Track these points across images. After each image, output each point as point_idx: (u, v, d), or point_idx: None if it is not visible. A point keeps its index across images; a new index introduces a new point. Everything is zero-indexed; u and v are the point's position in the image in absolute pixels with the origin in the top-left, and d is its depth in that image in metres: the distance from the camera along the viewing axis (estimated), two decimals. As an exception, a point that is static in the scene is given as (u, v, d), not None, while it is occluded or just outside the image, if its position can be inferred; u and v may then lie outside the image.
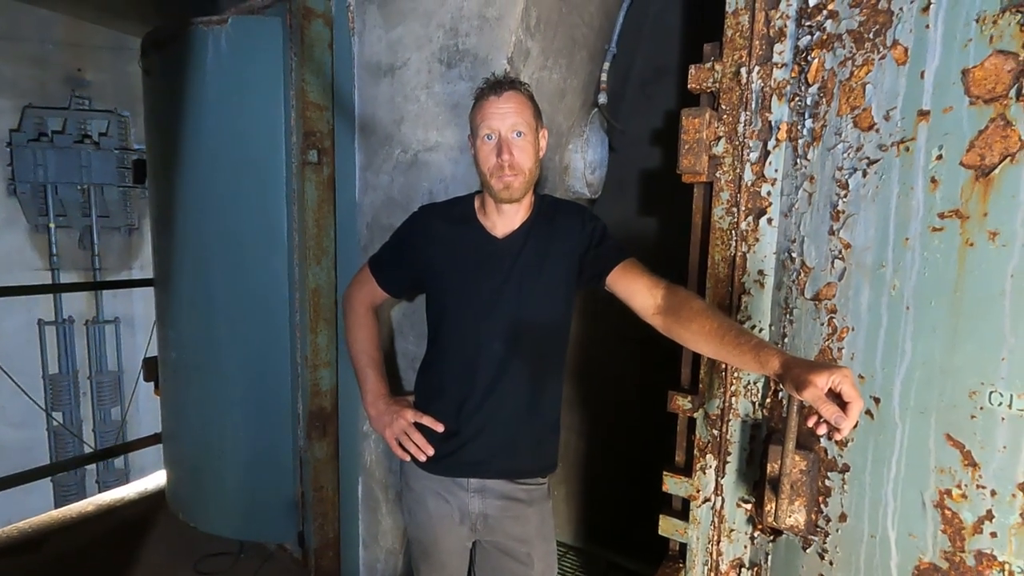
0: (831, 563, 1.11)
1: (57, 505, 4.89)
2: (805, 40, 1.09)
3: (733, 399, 1.24)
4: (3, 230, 5.37)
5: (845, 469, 1.09)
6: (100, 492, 3.27)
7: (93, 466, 6.06)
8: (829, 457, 1.11)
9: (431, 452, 1.32)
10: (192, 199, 2.02)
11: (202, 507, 2.19)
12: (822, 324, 1.10)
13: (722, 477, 1.28)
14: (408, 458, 1.35)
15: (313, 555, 2.05)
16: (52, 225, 5.50)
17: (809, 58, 1.08)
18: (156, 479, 2.77)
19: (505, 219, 1.29)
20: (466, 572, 1.44)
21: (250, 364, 2.02)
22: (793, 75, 1.12)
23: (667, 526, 1.38)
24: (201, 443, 2.14)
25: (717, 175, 1.22)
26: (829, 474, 1.11)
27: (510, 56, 1.48)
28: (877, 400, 1.03)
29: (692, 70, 1.24)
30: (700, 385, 1.30)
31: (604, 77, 1.87)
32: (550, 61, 1.63)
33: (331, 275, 1.95)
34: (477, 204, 1.33)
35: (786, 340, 1.17)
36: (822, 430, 0.90)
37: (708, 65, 1.22)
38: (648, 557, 1.90)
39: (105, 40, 5.76)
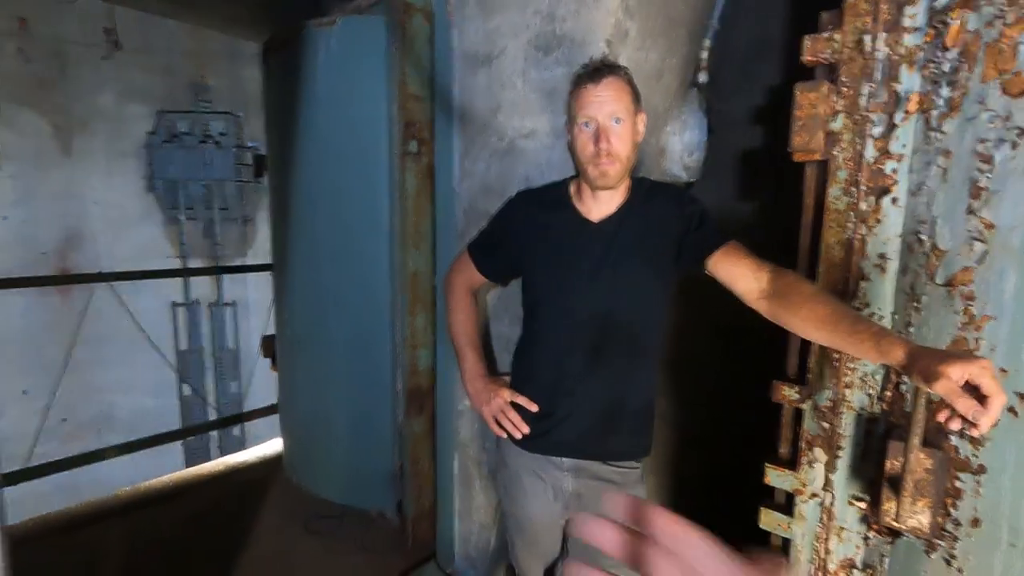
0: (959, 570, 1.03)
1: (187, 466, 5.52)
2: (943, 0, 0.99)
3: (847, 390, 1.17)
4: (142, 222, 6.07)
5: (980, 471, 0.99)
6: (221, 456, 3.65)
7: (215, 433, 6.77)
8: (961, 456, 1.02)
9: (526, 430, 1.36)
10: (305, 190, 2.19)
11: (312, 472, 2.40)
12: (956, 312, 1.01)
13: (832, 472, 1.21)
14: (504, 435, 1.39)
15: (410, 524, 2.19)
16: (182, 217, 6.15)
17: (948, 20, 0.98)
18: (272, 446, 3.06)
19: (601, 204, 1.28)
20: (559, 548, 1.47)
21: (355, 343, 2.17)
22: (927, 40, 1.02)
23: (769, 520, 1.33)
24: (312, 414, 2.34)
25: (834, 152, 1.15)
26: (960, 475, 1.02)
27: (608, 39, 1.46)
28: (1022, 396, 0.93)
29: (807, 41, 1.17)
30: (808, 375, 1.24)
31: (704, 55, 1.80)
32: (648, 41, 1.59)
33: (429, 260, 2.04)
34: (572, 189, 1.34)
35: (911, 329, 1.08)
36: (955, 425, 0.83)
37: (826, 35, 1.15)
38: (741, 554, 1.84)
39: (222, 47, 6.31)
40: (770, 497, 1.35)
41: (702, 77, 1.80)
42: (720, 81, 1.94)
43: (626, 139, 1.19)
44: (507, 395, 1.38)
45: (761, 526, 1.34)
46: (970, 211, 0.98)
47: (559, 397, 1.33)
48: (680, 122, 1.79)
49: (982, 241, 0.96)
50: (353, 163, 2.08)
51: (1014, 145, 0.92)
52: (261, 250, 6.66)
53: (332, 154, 2.10)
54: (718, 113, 1.92)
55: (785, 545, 1.32)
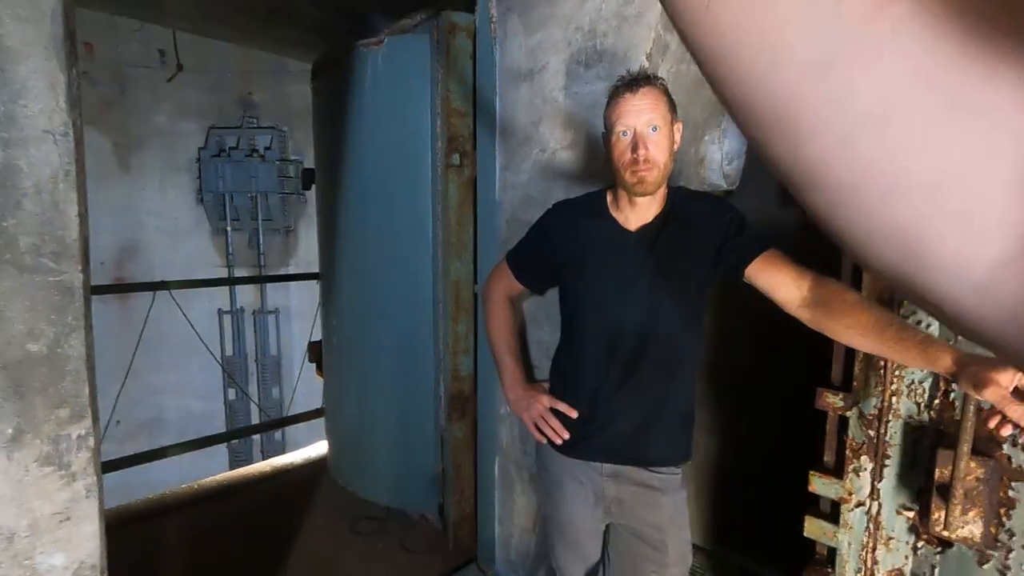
0: (1015, 582, 1.01)
1: (231, 469, 5.73)
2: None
3: (893, 398, 1.17)
4: (192, 233, 6.38)
5: (1035, 480, 0.98)
6: (264, 460, 3.78)
7: (258, 437, 7.00)
8: (1014, 466, 1.01)
9: (566, 436, 1.39)
10: (352, 202, 2.29)
11: (357, 474, 2.48)
12: (1006, 319, 1.00)
13: (879, 481, 1.21)
14: (544, 441, 1.43)
15: (452, 526, 2.23)
16: (229, 228, 6.43)
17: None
18: (317, 448, 3.17)
19: (638, 212, 1.30)
20: (600, 552, 1.49)
21: (399, 349, 2.25)
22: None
23: (814, 528, 1.33)
24: (357, 417, 2.42)
25: (878, 161, 1.16)
26: (1014, 484, 1.01)
27: (648, 52, 1.50)
28: (1078, 405, 0.92)
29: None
30: (854, 382, 1.24)
31: (743, 65, 1.82)
32: (687, 54, 1.62)
33: (470, 269, 2.11)
34: (610, 199, 1.36)
35: (959, 338, 1.07)
36: (1006, 431, 0.83)
37: (868, 45, 1.16)
38: (781, 563, 1.83)
39: (268, 65, 6.60)
40: (815, 505, 1.35)
41: (741, 87, 1.82)
42: (759, 90, 1.95)
43: (663, 147, 1.21)
44: (547, 401, 1.42)
45: (806, 534, 1.34)
46: (1020, 218, 0.97)
47: (598, 404, 1.35)
48: (719, 131, 1.81)
49: (1033, 248, 0.96)
50: (399, 176, 2.17)
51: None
52: (303, 260, 6.90)
53: (379, 167, 2.20)
54: (757, 122, 1.93)
55: (831, 555, 1.32)
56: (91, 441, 0.80)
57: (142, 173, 5.90)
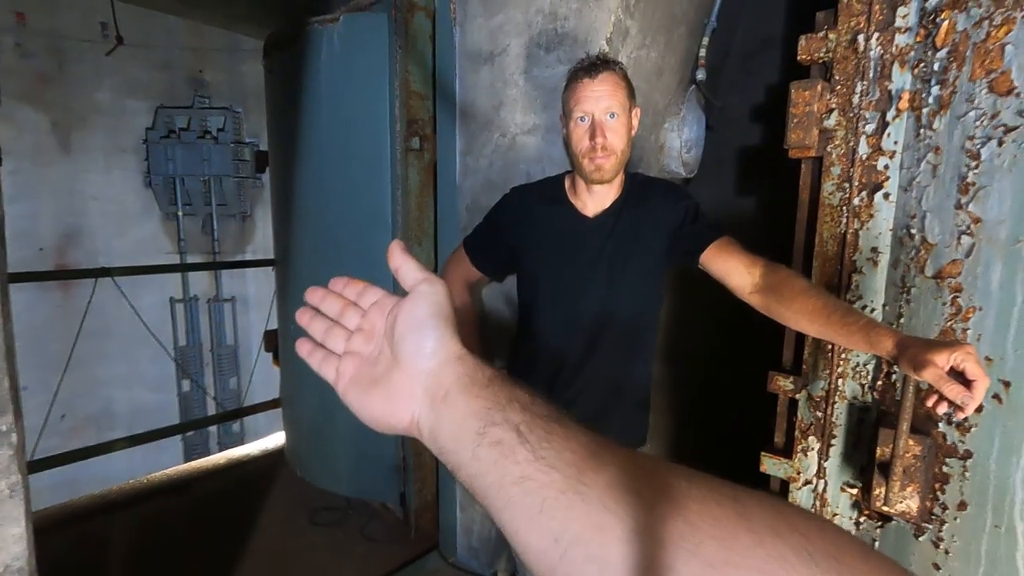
0: (947, 552, 1.07)
1: (186, 461, 5.56)
2: (933, 1, 1.02)
3: (840, 380, 1.21)
4: (141, 218, 6.08)
5: (967, 456, 1.03)
6: (221, 452, 3.68)
7: (214, 429, 6.80)
8: (948, 443, 1.06)
9: None
10: (309, 186, 2.21)
11: (315, 465, 2.43)
12: (944, 304, 1.04)
13: (825, 460, 1.25)
14: None
15: (413, 515, 2.22)
16: (180, 213, 6.16)
17: (938, 20, 1.02)
18: (274, 439, 3.09)
19: (596, 199, 1.30)
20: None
21: (358, 337, 2.20)
22: (918, 40, 1.05)
23: (764, 506, 1.37)
24: (315, 407, 2.37)
25: (828, 149, 1.18)
26: (948, 460, 1.06)
27: (609, 37, 1.49)
28: (1007, 384, 0.97)
29: (802, 40, 1.20)
30: (803, 366, 1.28)
31: (703, 53, 1.83)
32: (648, 39, 1.62)
33: (431, 255, 2.07)
34: (568, 184, 1.35)
35: (902, 321, 1.12)
36: (942, 408, 0.87)
37: (821, 34, 1.18)
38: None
39: (221, 43, 6.31)
40: (766, 486, 1.39)
41: (701, 75, 1.84)
42: (719, 79, 1.97)
43: (621, 133, 1.21)
44: None
45: (757, 513, 1.38)
46: (958, 206, 1.01)
47: (557, 388, 1.36)
48: (679, 119, 1.82)
49: (969, 235, 1.00)
50: (356, 159, 2.11)
51: (1000, 142, 0.96)
52: (260, 246, 6.68)
53: (335, 150, 2.13)
54: (717, 110, 1.96)
55: (780, 531, 1.36)
56: (13, 438, 0.75)
57: (85, 154, 5.57)
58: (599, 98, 1.18)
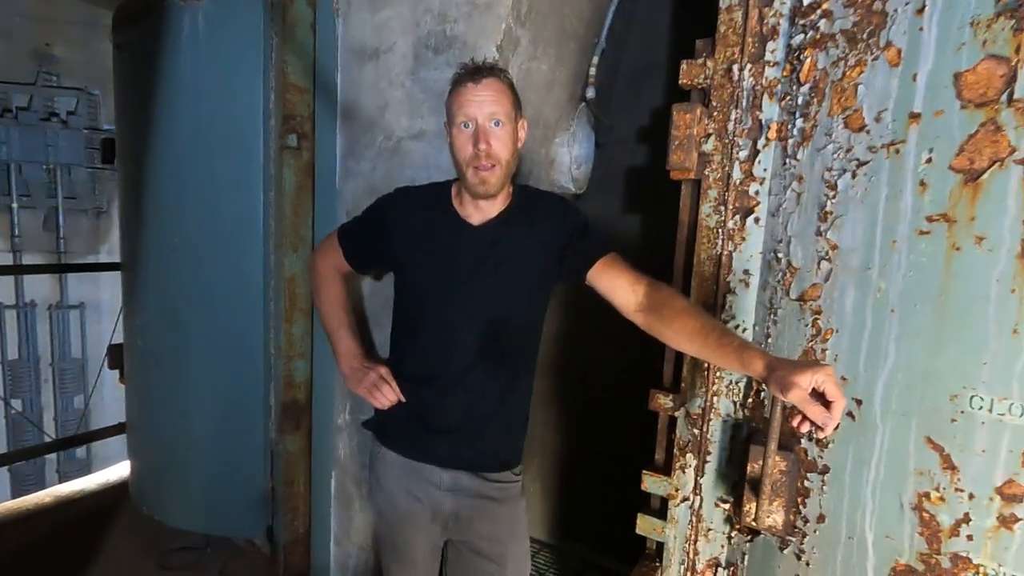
0: (808, 564, 1.12)
1: (14, 496, 4.71)
2: (798, 39, 1.08)
3: (715, 398, 1.24)
4: (-38, 209, 5.14)
5: (825, 470, 1.09)
6: (61, 483, 3.15)
7: (54, 456, 5.87)
8: (809, 458, 1.11)
9: (403, 398, 1.30)
10: (164, 181, 1.94)
11: (167, 500, 2.12)
12: (806, 325, 1.09)
13: (701, 476, 1.27)
14: (386, 405, 1.31)
15: (283, 551, 2.00)
16: (15, 205, 5.29)
17: (802, 57, 1.07)
18: (119, 470, 2.68)
19: (481, 208, 1.25)
20: (437, 572, 1.41)
21: (221, 354, 1.96)
22: (785, 74, 1.11)
23: (645, 525, 1.37)
24: (167, 434, 2.07)
25: (706, 172, 1.21)
26: (809, 475, 1.11)
27: (499, 44, 1.45)
28: (859, 402, 1.03)
29: (684, 65, 1.23)
30: (682, 384, 1.29)
31: (592, 71, 1.85)
32: (539, 51, 1.60)
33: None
34: (454, 191, 1.29)
35: (770, 340, 1.16)
36: (805, 428, 0.90)
37: (700, 61, 1.21)
38: (624, 555, 1.90)
39: (76, 15, 5.55)
40: (647, 504, 1.39)
41: (591, 92, 1.85)
42: (608, 98, 2.01)
43: (507, 142, 1.16)
44: (384, 371, 1.33)
45: (638, 531, 1.38)
46: (818, 233, 1.07)
47: (433, 397, 1.28)
48: (569, 135, 1.82)
49: (828, 261, 1.06)
50: (222, 155, 1.88)
51: (854, 175, 1.02)
52: (117, 246, 5.93)
53: (198, 143, 1.88)
54: (606, 128, 1.99)
55: (659, 549, 1.37)
56: None
57: None
58: (482, 103, 1.13)
